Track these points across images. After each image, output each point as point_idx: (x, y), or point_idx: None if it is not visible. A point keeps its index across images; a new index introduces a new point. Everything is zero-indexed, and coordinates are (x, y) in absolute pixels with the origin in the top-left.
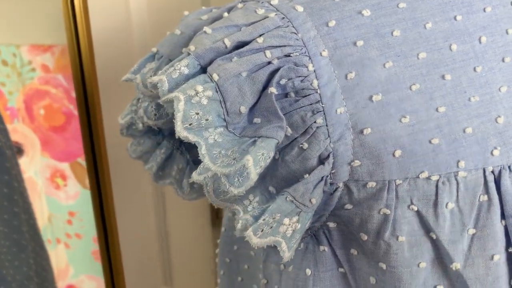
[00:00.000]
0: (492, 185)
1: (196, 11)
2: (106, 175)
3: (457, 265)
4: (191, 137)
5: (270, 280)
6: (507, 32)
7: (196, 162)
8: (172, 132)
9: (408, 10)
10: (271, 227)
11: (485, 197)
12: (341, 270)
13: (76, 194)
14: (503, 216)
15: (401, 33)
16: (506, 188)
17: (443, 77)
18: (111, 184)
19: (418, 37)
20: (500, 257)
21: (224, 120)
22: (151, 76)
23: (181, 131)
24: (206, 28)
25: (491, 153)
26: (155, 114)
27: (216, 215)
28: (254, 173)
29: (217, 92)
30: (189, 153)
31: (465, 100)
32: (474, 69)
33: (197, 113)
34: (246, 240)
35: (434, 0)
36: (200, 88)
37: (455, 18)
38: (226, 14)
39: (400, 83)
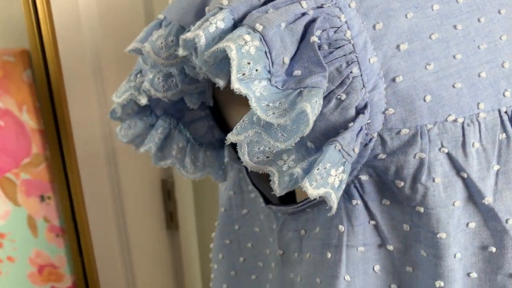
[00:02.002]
0: (507, 123)
1: None
2: (77, 179)
3: (489, 199)
4: (243, 89)
5: (287, 249)
6: None
7: (196, 139)
8: (172, 106)
9: None
10: (322, 178)
11: (504, 135)
12: (372, 222)
13: (6, 213)
14: None
15: None
16: None
17: (455, 27)
18: (82, 189)
19: None
20: None
21: (269, 72)
22: (161, 43)
23: (235, 82)
24: None
25: (503, 95)
26: (163, 86)
27: (170, 218)
28: (312, 120)
29: (262, 42)
30: (188, 129)
31: (475, 48)
32: (478, 20)
33: (249, 63)
34: (248, 217)
35: None
36: (248, 37)
37: None
38: None
39: (421, 33)
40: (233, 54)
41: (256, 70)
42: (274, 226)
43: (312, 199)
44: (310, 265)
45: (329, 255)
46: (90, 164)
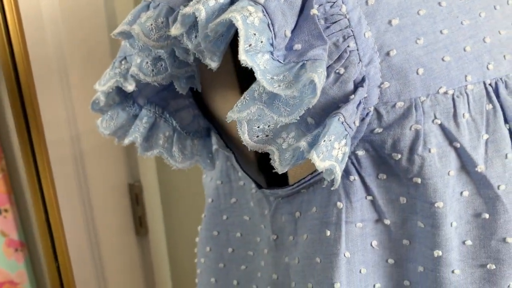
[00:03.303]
0: (492, 95)
1: None
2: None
3: (481, 167)
4: (249, 61)
5: (281, 233)
6: None
7: (183, 127)
8: (156, 95)
9: None
10: (328, 150)
11: (490, 106)
12: (369, 198)
13: None
14: (505, 120)
15: None
16: (504, 97)
17: (439, 4)
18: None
19: None
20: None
21: (271, 45)
22: (151, 24)
23: (242, 53)
24: None
25: (487, 68)
26: (152, 70)
27: (139, 223)
28: (319, 90)
29: (264, 14)
30: (174, 118)
31: (459, 24)
32: None
33: (255, 34)
34: (237, 206)
35: None
36: (252, 8)
37: None
38: None
39: (409, 9)
40: (239, 24)
41: (261, 42)
42: (266, 212)
43: (318, 171)
44: (308, 246)
45: (328, 233)
46: (57, 168)
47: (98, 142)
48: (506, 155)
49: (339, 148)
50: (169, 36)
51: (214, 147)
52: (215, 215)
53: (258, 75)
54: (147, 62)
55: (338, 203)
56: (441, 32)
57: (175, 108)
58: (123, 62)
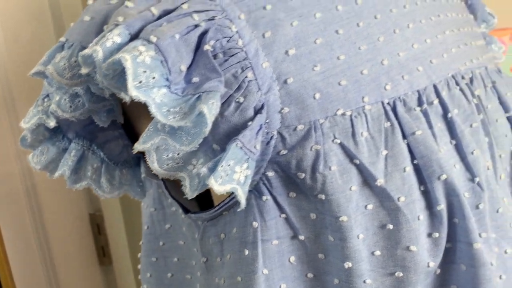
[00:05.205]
0: (391, 113)
1: None
2: None
3: (380, 181)
4: (141, 96)
5: (210, 256)
6: None
7: (112, 158)
8: (83, 128)
9: None
10: (227, 175)
11: (388, 123)
12: (283, 216)
13: None
14: (404, 136)
15: None
16: (401, 114)
17: (337, 31)
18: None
19: (312, 1)
20: (409, 169)
21: (167, 80)
22: (64, 64)
23: (132, 90)
24: (127, 3)
25: (385, 89)
26: (70, 106)
27: (102, 253)
28: (210, 120)
29: (157, 52)
30: (102, 150)
31: (356, 49)
32: (358, 25)
33: (145, 71)
34: (171, 232)
35: None
36: (142, 48)
37: None
38: None
39: (306, 38)
40: (128, 64)
41: (153, 78)
42: (196, 235)
43: (223, 197)
44: (231, 266)
45: (246, 252)
46: (8, 203)
47: None
48: (404, 168)
49: (240, 172)
50: (81, 74)
51: (143, 175)
52: (151, 242)
53: (152, 109)
54: (65, 99)
55: (254, 223)
56: (338, 58)
57: (103, 140)
58: (45, 100)
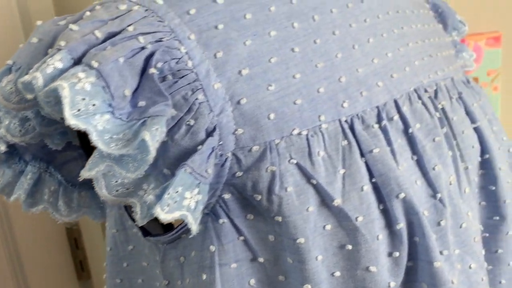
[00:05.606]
0: (348, 131)
1: (50, 19)
2: None
3: (338, 201)
4: (81, 125)
5: (171, 279)
6: (331, 11)
7: (71, 180)
8: (41, 150)
9: None
10: (176, 201)
11: (346, 142)
12: (241, 238)
13: None
14: (362, 154)
15: (252, 16)
16: (359, 132)
17: (292, 50)
18: None
19: (267, 19)
20: (367, 188)
21: (110, 105)
22: (11, 88)
23: (70, 119)
24: (71, 26)
25: (342, 106)
26: (20, 130)
27: (81, 268)
28: (153, 147)
29: (98, 78)
30: (59, 172)
31: (313, 67)
32: (315, 42)
33: (84, 99)
34: (135, 253)
35: None
36: (82, 75)
37: (291, 1)
38: (88, 13)
39: (260, 58)
40: (65, 92)
41: (93, 105)
42: (158, 258)
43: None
44: None
45: (204, 276)
46: None
47: None
48: (362, 187)
49: (191, 197)
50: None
51: (102, 197)
52: (115, 263)
53: (93, 137)
54: (14, 123)
55: (211, 247)
56: (293, 76)
57: (62, 161)
58: None
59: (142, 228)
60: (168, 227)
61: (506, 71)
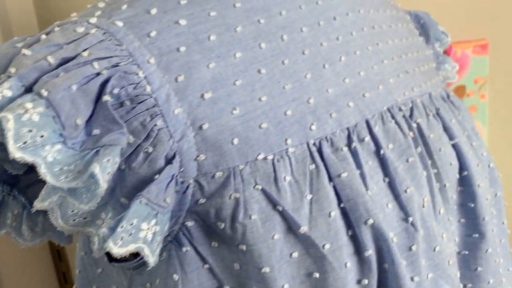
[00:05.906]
0: (316, 154)
1: (8, 41)
2: None
3: (304, 228)
4: (28, 157)
5: None
6: (301, 30)
7: (33, 203)
8: (3, 173)
9: (219, 17)
10: (131, 234)
11: (313, 166)
12: (206, 266)
13: None
14: (330, 178)
15: (217, 37)
16: (327, 155)
17: (259, 71)
18: None
19: (232, 40)
20: (335, 213)
21: (61, 135)
22: None
23: (15, 152)
24: (24, 50)
25: (310, 129)
26: None
27: (64, 279)
28: (103, 180)
29: (48, 108)
30: (23, 195)
31: (281, 89)
32: (283, 62)
33: (30, 130)
34: (104, 276)
35: (239, 7)
36: (29, 105)
37: (259, 21)
38: (44, 37)
39: (225, 80)
40: (9, 125)
41: (42, 136)
42: (125, 283)
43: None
44: None
45: None
46: None
47: None
48: (330, 213)
49: (148, 229)
50: None
51: None
52: (85, 286)
53: (41, 169)
54: None
55: (174, 275)
56: (259, 99)
57: (26, 184)
58: None
59: (107, 253)
60: (134, 253)
61: (493, 79)
